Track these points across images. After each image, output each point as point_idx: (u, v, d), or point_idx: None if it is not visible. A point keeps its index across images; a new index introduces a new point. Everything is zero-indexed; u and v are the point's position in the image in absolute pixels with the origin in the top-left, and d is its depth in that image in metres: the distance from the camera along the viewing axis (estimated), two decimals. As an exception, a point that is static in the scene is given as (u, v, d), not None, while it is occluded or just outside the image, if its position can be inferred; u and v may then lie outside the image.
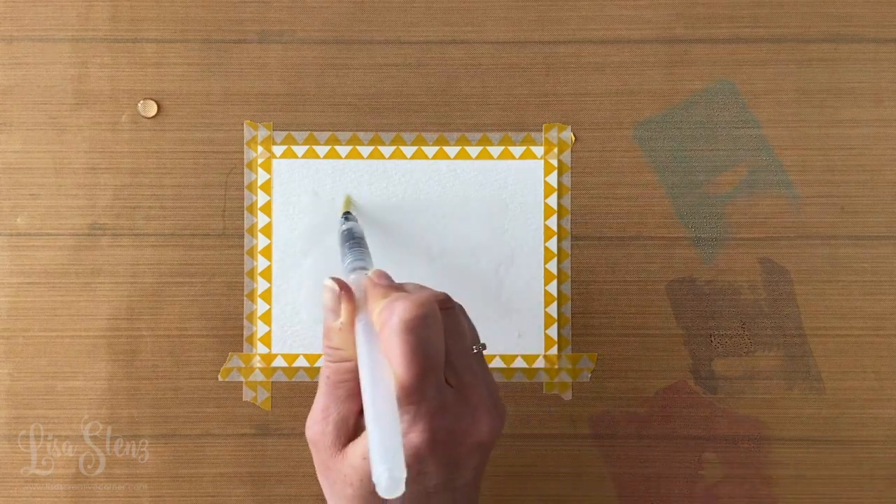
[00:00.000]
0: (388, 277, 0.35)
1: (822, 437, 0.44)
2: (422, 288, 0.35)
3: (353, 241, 0.40)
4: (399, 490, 0.29)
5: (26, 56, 0.45)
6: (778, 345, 0.44)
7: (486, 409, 0.34)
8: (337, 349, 0.34)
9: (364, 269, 0.37)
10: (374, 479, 0.29)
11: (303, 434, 0.44)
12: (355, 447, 0.34)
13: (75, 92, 0.44)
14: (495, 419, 0.34)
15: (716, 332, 0.44)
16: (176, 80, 0.45)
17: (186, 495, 0.44)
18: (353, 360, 0.34)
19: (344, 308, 0.34)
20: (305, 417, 0.44)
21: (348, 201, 0.44)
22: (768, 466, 0.44)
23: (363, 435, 0.33)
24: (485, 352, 0.36)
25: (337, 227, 0.43)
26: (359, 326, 0.33)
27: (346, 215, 0.43)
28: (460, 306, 0.36)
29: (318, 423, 0.35)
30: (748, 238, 0.44)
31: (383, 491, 0.29)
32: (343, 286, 0.34)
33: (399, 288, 0.34)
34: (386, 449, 0.29)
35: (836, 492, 0.44)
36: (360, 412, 0.35)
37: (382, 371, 0.32)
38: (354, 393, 0.34)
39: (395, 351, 0.31)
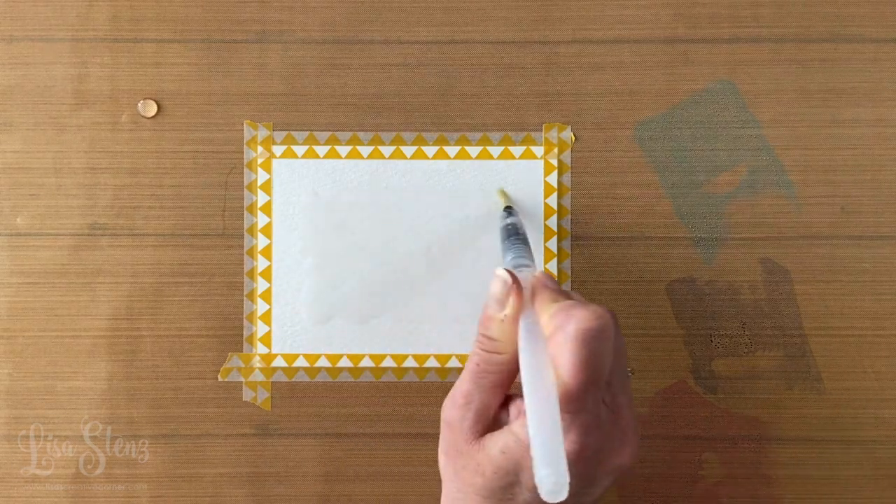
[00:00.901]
0: (555, 281, 0.35)
1: (822, 437, 0.44)
2: (586, 302, 0.35)
3: (517, 237, 0.39)
4: (563, 494, 0.29)
5: (26, 56, 0.45)
6: (778, 345, 0.44)
7: (632, 434, 0.34)
8: (493, 340, 0.34)
9: (527, 266, 0.37)
10: (538, 481, 0.29)
11: (303, 434, 0.44)
12: (494, 439, 0.34)
13: (75, 92, 0.44)
14: (636, 445, 0.34)
15: (716, 332, 0.44)
16: (176, 80, 0.45)
17: (186, 495, 0.44)
18: (508, 353, 0.34)
19: (512, 301, 0.34)
20: (305, 418, 0.44)
21: (505, 195, 0.43)
22: (768, 466, 0.44)
23: (505, 430, 0.34)
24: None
25: (498, 221, 0.42)
26: (523, 324, 0.33)
27: (508, 210, 0.42)
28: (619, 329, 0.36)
29: (459, 408, 0.34)
30: (748, 238, 0.44)
31: (546, 494, 0.29)
32: (515, 280, 0.34)
33: (567, 294, 0.34)
34: (550, 452, 0.29)
35: (836, 492, 0.44)
36: (502, 405, 0.35)
37: (546, 373, 0.32)
38: (499, 385, 0.34)
39: (567, 357, 0.31)
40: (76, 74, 0.45)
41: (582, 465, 0.32)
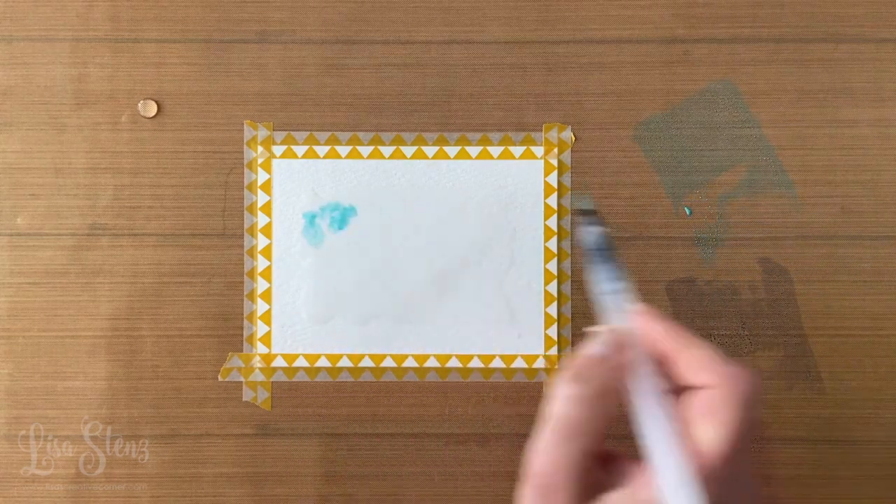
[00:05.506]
0: (662, 317, 0.32)
1: (822, 437, 0.44)
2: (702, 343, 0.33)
3: (608, 251, 0.35)
4: None
5: (26, 56, 0.45)
6: (778, 345, 0.44)
7: (759, 499, 0.32)
8: (592, 394, 0.31)
9: (620, 291, 0.33)
10: None
11: (303, 434, 0.44)
12: None
13: (75, 92, 0.45)
14: None
15: (716, 332, 0.44)
16: (176, 80, 0.45)
17: (186, 495, 0.44)
18: (604, 407, 0.31)
19: (639, 346, 0.32)
20: (305, 418, 0.44)
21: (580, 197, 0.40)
22: (768, 466, 0.44)
23: (616, 496, 0.31)
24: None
25: (581, 230, 0.37)
26: (641, 374, 0.31)
27: (589, 215, 0.36)
28: None
29: (551, 476, 0.31)
30: (748, 238, 0.44)
31: None
32: (624, 338, 0.32)
33: (688, 336, 0.32)
34: None
35: (836, 492, 0.44)
36: (599, 464, 0.32)
37: (673, 439, 0.30)
38: (593, 449, 0.31)
39: (729, 418, 0.29)
40: (76, 74, 0.45)
41: None
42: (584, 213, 0.35)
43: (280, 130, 0.45)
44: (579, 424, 0.31)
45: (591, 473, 0.32)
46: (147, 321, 0.44)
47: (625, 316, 0.33)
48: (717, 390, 0.30)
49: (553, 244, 0.44)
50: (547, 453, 0.31)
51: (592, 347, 0.32)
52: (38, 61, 0.45)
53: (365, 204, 0.44)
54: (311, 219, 0.44)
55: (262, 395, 0.44)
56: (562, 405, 0.32)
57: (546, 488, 0.32)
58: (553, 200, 0.44)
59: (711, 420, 0.30)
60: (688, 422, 0.31)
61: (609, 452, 0.34)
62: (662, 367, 0.33)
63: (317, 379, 0.44)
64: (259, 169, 0.44)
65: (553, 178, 0.44)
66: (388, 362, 0.44)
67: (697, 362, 0.31)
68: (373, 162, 0.44)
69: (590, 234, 0.34)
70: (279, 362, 0.44)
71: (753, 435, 0.30)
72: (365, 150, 0.44)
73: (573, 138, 0.45)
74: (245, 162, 0.45)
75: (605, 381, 0.32)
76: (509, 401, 0.44)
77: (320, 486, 0.44)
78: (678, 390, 0.33)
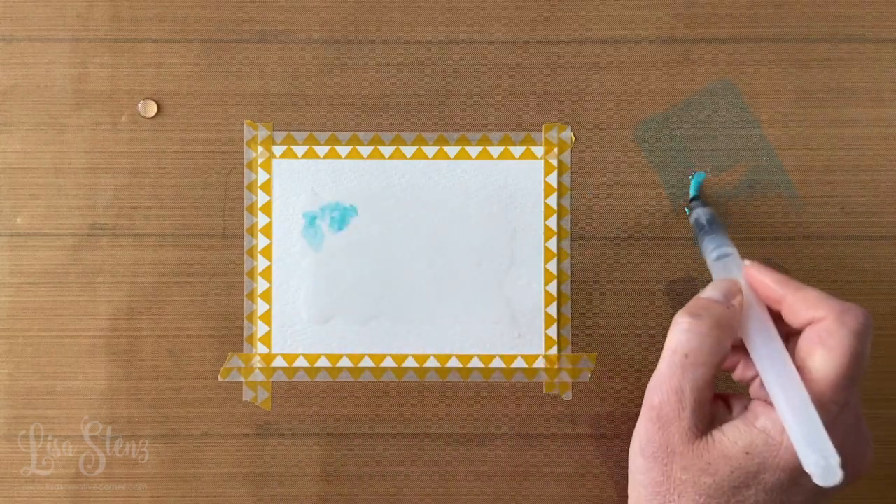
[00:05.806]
0: (770, 269, 0.35)
1: (822, 437, 0.44)
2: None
3: (713, 226, 0.40)
4: (836, 477, 0.29)
5: (26, 56, 0.45)
6: (778, 345, 0.44)
7: (870, 439, 0.34)
8: (714, 329, 0.33)
9: (729, 254, 0.38)
10: (809, 467, 0.30)
11: (303, 434, 0.44)
12: (732, 438, 0.32)
13: (75, 92, 0.44)
14: (873, 452, 0.34)
15: (716, 332, 0.44)
16: (176, 80, 0.45)
17: (186, 495, 0.44)
18: (725, 344, 0.33)
19: (745, 292, 0.34)
20: (305, 418, 0.44)
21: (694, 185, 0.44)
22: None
23: (744, 427, 0.32)
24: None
25: (693, 211, 0.43)
26: (754, 314, 0.34)
27: (695, 200, 0.43)
28: None
29: (673, 405, 0.32)
30: (748, 238, 0.44)
31: (820, 479, 0.29)
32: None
33: (797, 282, 0.34)
34: (815, 437, 0.30)
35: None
36: (715, 400, 0.34)
37: (789, 362, 0.32)
38: (712, 379, 0.33)
39: (841, 349, 0.31)
40: (76, 74, 0.45)
41: None
42: (693, 198, 0.43)
43: (280, 130, 0.45)
44: (694, 354, 0.33)
45: (706, 406, 0.33)
46: (147, 321, 0.44)
47: (736, 272, 0.36)
48: (828, 321, 0.32)
49: (553, 244, 0.44)
50: (664, 384, 0.33)
51: (705, 292, 0.35)
52: (38, 61, 0.45)
53: (365, 204, 0.44)
54: (312, 219, 0.44)
55: (262, 395, 0.44)
56: (678, 336, 0.33)
57: (664, 419, 0.33)
58: (553, 200, 0.44)
59: (822, 348, 0.31)
60: (800, 356, 0.32)
61: (725, 395, 0.35)
62: (773, 314, 0.34)
63: (317, 379, 0.44)
64: (259, 169, 0.44)
65: (553, 178, 0.44)
66: (388, 362, 0.44)
67: (808, 301, 0.33)
68: (373, 162, 0.44)
69: (700, 212, 0.41)
70: (279, 362, 0.44)
71: (862, 369, 0.32)
72: (365, 150, 0.44)
73: (573, 138, 0.45)
74: (245, 162, 0.45)
75: (717, 317, 0.33)
76: (509, 401, 0.44)
77: (320, 486, 0.44)
78: (789, 335, 0.34)
